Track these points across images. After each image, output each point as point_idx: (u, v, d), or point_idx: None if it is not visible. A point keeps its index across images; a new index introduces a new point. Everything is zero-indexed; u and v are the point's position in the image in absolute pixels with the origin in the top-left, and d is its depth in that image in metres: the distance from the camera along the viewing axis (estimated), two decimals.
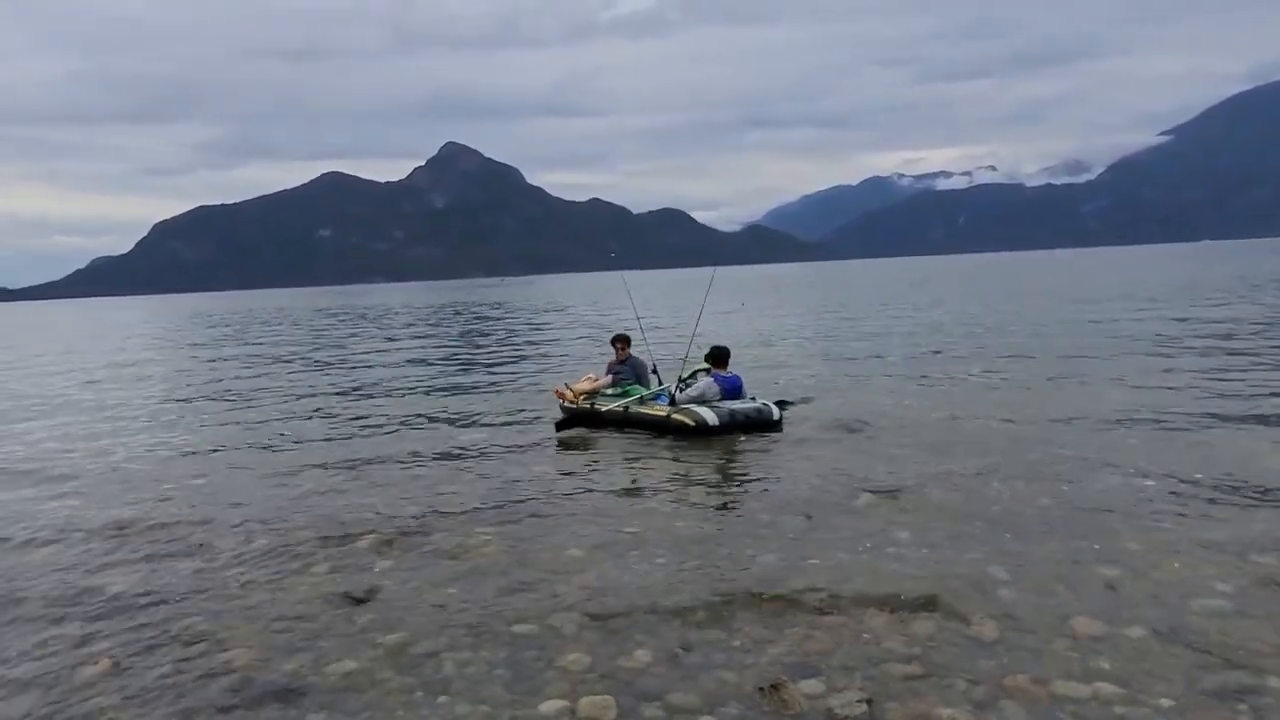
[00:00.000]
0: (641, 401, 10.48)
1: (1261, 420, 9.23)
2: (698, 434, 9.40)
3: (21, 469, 9.90)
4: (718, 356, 10.28)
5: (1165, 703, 3.69)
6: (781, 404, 10.50)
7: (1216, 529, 5.79)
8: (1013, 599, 4.79)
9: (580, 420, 10.53)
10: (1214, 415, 9.57)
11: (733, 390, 10.04)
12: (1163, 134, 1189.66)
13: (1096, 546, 5.53)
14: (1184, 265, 67.90)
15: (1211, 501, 6.42)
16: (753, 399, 10.01)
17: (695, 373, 10.52)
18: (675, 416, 9.66)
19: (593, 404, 10.71)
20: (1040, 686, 3.85)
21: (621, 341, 11.63)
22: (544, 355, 21.00)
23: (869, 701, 3.77)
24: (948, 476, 7.44)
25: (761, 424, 9.63)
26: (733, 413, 9.56)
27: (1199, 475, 7.17)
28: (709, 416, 9.45)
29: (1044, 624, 4.45)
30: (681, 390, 10.15)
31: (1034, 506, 6.47)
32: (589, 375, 11.68)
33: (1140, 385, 11.86)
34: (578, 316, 38.18)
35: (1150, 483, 7.00)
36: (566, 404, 10.90)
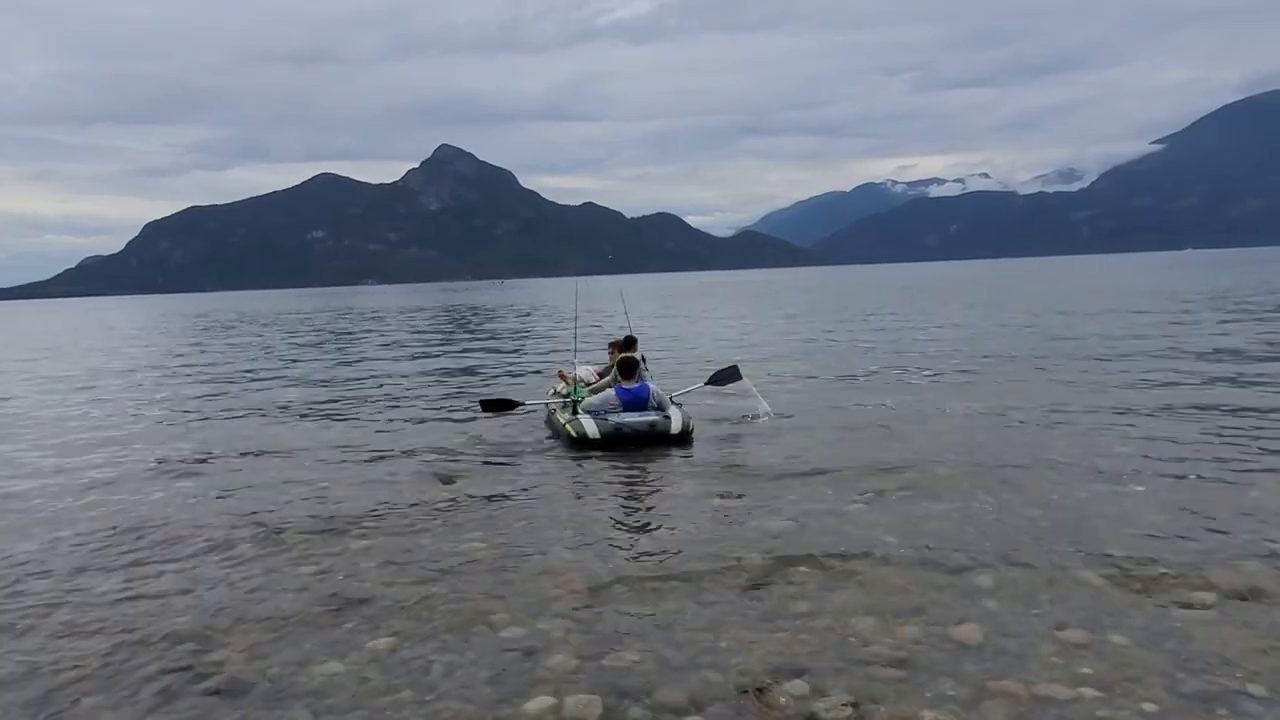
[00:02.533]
0: (563, 405, 10.41)
1: (1248, 433, 9.29)
2: (584, 445, 9.25)
3: (3, 468, 9.85)
4: (624, 368, 10.04)
5: (1147, 707, 3.73)
6: (715, 379, 10.78)
7: (1201, 537, 5.84)
8: (998, 605, 4.82)
9: (503, 407, 11.18)
10: (1202, 426, 9.63)
11: (634, 402, 9.74)
12: (1156, 143, 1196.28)
13: (1082, 554, 5.56)
14: (1166, 275, 68.23)
15: (1197, 510, 6.45)
16: (658, 409, 9.69)
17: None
18: (566, 425, 9.56)
19: (552, 397, 10.97)
20: (1024, 689, 3.88)
21: (616, 348, 11.64)
22: (536, 358, 20.98)
23: (854, 704, 3.79)
24: (935, 483, 7.48)
25: (655, 437, 9.33)
26: (618, 426, 9.29)
27: (1184, 483, 7.23)
28: (590, 429, 9.25)
29: (1028, 629, 4.49)
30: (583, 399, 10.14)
31: (1020, 513, 6.50)
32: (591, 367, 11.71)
33: (1127, 394, 11.93)
34: (573, 319, 38.13)
35: (1135, 490, 7.05)
36: (559, 390, 11.23)
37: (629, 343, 11.61)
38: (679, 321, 33.74)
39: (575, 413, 9.77)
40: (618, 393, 9.77)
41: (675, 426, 9.38)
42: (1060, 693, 3.85)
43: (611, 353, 11.65)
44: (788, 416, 10.95)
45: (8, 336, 47.62)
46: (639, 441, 9.28)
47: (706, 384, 11.26)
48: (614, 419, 9.42)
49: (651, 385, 10.01)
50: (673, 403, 10.17)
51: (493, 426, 11.13)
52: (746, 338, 25.18)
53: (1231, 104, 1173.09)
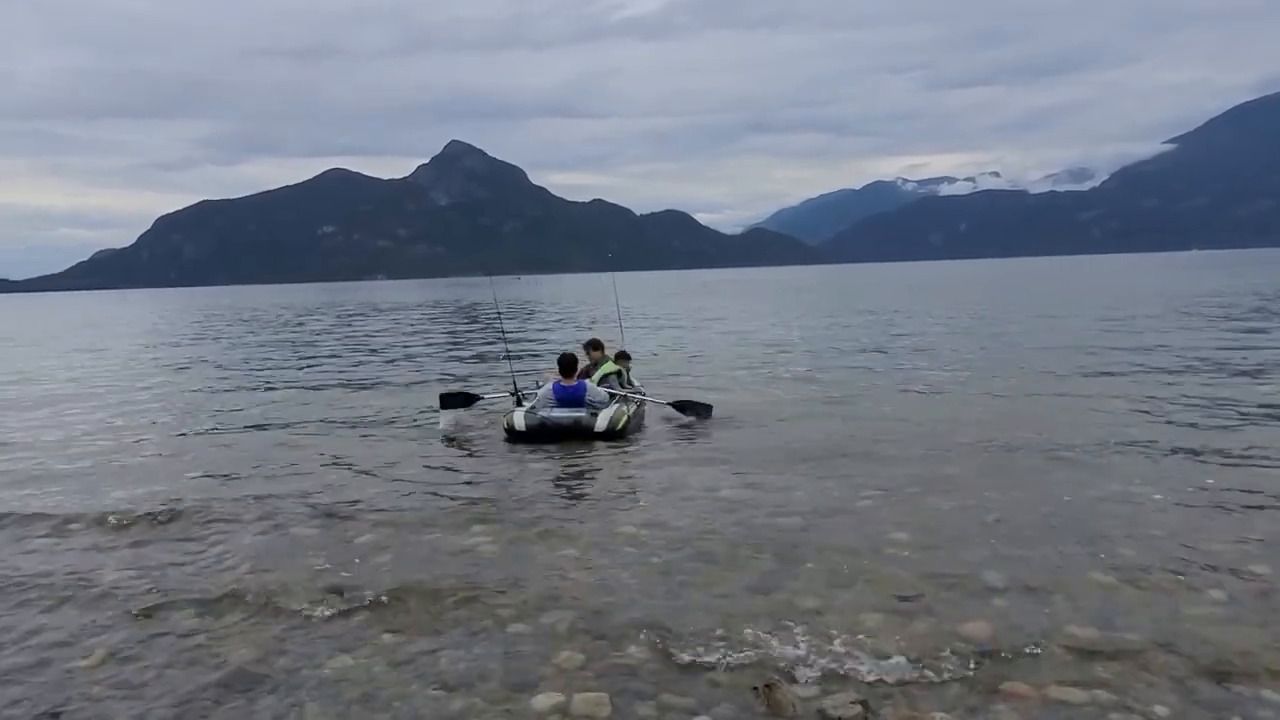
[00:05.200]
0: (510, 398, 10.97)
1: (1259, 431, 9.24)
2: (513, 436, 9.76)
3: (15, 462, 9.90)
4: (562, 365, 10.44)
5: (1160, 710, 3.70)
6: (681, 406, 10.87)
7: (1213, 538, 5.80)
8: (1009, 604, 4.79)
9: (460, 402, 11.24)
10: (1212, 425, 9.59)
11: (568, 399, 10.08)
12: (1167, 143, 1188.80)
13: (1093, 553, 5.54)
14: (1176, 275, 67.87)
15: (1208, 510, 6.43)
16: (588, 406, 9.94)
17: (606, 376, 11.14)
18: (503, 417, 10.15)
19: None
20: (1035, 691, 3.86)
21: (593, 346, 12.13)
22: (546, 354, 20.98)
23: (863, 702, 3.77)
24: (945, 482, 7.45)
25: (579, 432, 9.68)
26: (544, 420, 9.78)
27: (1196, 484, 7.19)
28: (519, 422, 9.78)
29: (1040, 630, 4.46)
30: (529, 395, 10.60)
31: (1031, 513, 6.47)
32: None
33: (1138, 394, 11.87)
34: (580, 315, 38.17)
35: (1147, 490, 7.00)
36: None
37: (596, 344, 12.09)
38: (689, 326, 33.71)
39: (519, 405, 10.28)
40: (554, 389, 10.21)
41: (600, 425, 9.68)
42: (1073, 695, 3.82)
43: (589, 351, 12.05)
44: (775, 419, 10.93)
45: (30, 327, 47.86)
46: (563, 436, 9.68)
47: (670, 404, 11.14)
48: (543, 413, 9.88)
49: (590, 384, 10.36)
50: (628, 399, 10.49)
51: (498, 425, 11.14)
52: (762, 336, 25.12)
53: (1244, 104, 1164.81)
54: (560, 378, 10.32)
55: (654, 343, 22.47)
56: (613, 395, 10.45)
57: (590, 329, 25.53)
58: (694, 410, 10.92)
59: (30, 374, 20.51)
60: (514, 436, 9.79)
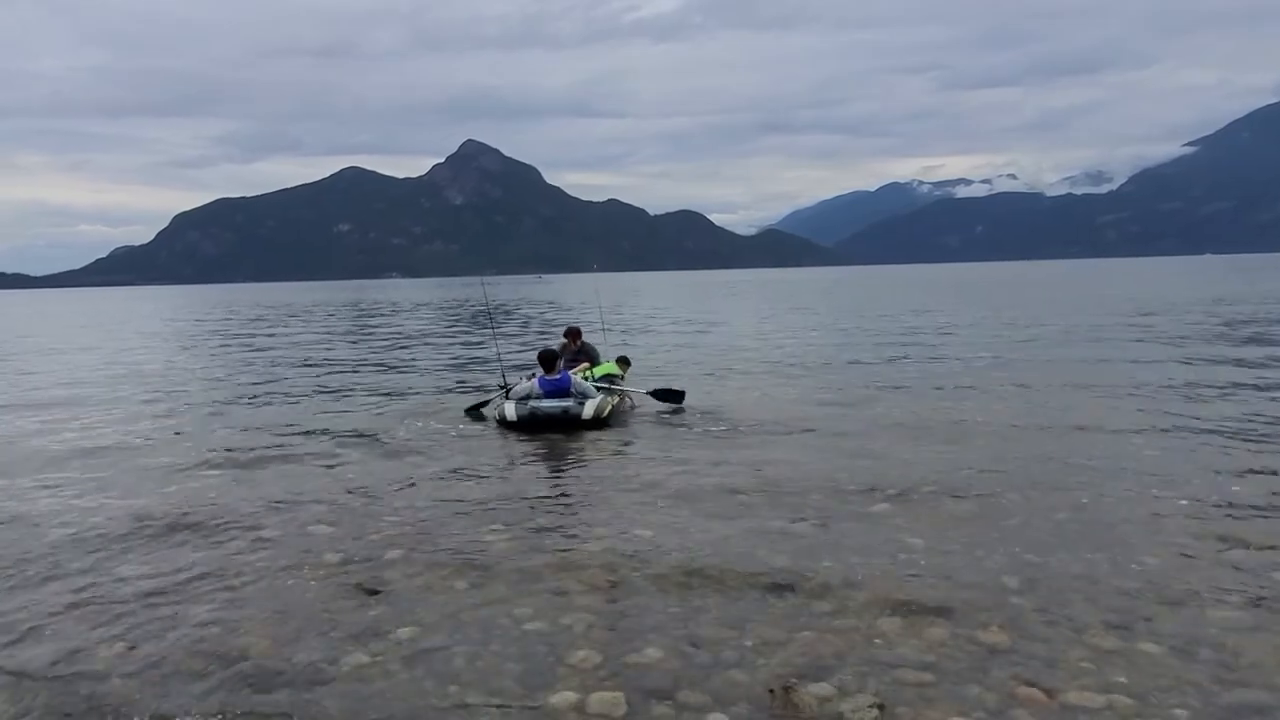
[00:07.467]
0: (500, 391, 11.41)
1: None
2: (506, 427, 10.29)
3: (36, 460, 9.98)
4: (544, 360, 10.94)
5: (1180, 714, 3.69)
6: (657, 394, 11.54)
7: (1235, 543, 5.74)
8: (1027, 609, 4.76)
9: (480, 410, 11.58)
10: (1233, 429, 9.48)
11: (553, 390, 10.62)
12: (1186, 145, 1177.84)
13: (1113, 558, 5.50)
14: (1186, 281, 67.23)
15: (1230, 515, 6.36)
16: (576, 397, 10.48)
17: (605, 375, 11.86)
18: (496, 410, 10.73)
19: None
20: (1053, 697, 3.82)
21: (571, 335, 12.87)
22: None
23: (880, 706, 3.75)
24: (962, 485, 7.40)
25: (566, 422, 10.20)
26: (533, 410, 10.29)
27: (1218, 489, 7.11)
28: (510, 413, 10.33)
29: (1058, 634, 4.42)
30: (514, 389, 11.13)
31: (1050, 517, 6.42)
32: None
33: (1159, 397, 11.77)
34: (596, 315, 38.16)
35: (1169, 495, 6.93)
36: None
37: (575, 331, 12.91)
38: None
39: (508, 398, 10.73)
40: (539, 382, 10.70)
41: (587, 413, 10.25)
42: (1091, 700, 3.79)
43: (570, 340, 12.77)
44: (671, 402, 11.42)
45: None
46: (552, 425, 10.19)
47: (649, 392, 11.83)
48: (532, 404, 10.41)
49: (574, 375, 10.89)
50: (612, 391, 11.13)
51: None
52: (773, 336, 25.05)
53: (1264, 107, 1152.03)
54: (543, 373, 10.82)
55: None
56: (599, 389, 11.07)
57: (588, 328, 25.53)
58: (669, 397, 11.63)
59: (46, 372, 20.68)
60: (506, 427, 10.25)
